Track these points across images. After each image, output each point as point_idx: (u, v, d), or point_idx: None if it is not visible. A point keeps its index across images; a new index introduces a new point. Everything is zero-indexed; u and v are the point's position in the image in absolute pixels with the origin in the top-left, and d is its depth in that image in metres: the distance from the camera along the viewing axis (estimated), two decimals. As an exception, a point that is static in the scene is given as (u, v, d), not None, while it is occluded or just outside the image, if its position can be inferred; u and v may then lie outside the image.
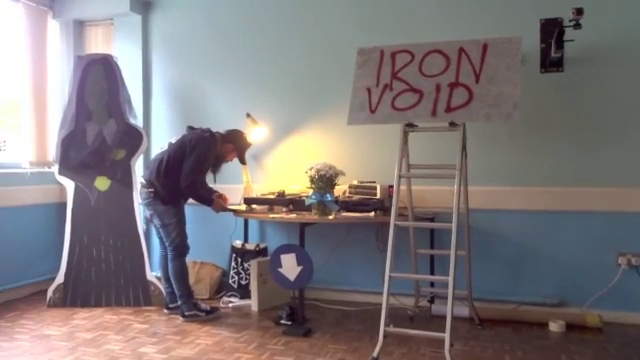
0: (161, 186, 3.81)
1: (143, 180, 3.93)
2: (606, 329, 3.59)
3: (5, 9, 4.58)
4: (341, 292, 4.35)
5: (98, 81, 4.41)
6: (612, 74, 3.77)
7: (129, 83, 4.55)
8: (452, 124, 3.23)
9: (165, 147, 3.93)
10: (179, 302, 3.87)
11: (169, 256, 3.89)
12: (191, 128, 4.01)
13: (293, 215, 3.85)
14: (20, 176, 4.51)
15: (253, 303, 4.14)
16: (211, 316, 3.85)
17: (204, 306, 3.90)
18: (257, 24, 4.61)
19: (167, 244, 3.89)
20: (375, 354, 3.00)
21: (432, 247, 4.00)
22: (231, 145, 4.02)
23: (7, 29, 4.63)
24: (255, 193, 4.43)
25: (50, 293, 4.19)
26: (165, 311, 4.02)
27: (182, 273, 3.88)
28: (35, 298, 4.40)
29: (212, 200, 3.93)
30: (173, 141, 3.93)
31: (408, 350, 3.21)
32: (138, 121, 4.59)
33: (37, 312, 4.04)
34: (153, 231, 4.71)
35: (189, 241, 3.94)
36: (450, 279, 2.99)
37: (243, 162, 4.19)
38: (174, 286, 3.88)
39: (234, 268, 4.41)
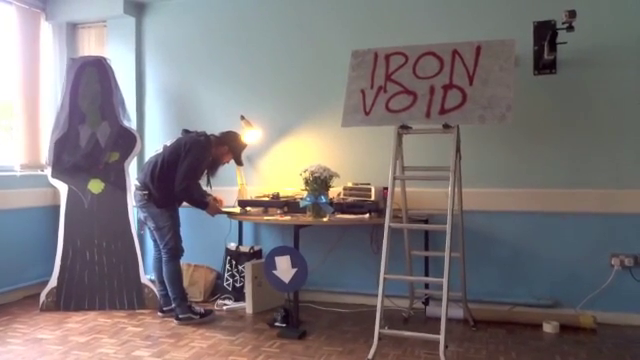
0: (155, 189, 3.80)
1: (137, 183, 3.91)
2: (600, 330, 3.60)
3: (-3, 11, 4.56)
4: (336, 294, 4.35)
5: (91, 83, 4.39)
6: (605, 76, 3.79)
7: (122, 85, 4.54)
8: (446, 126, 3.24)
9: (160, 150, 3.92)
10: (173, 305, 3.86)
11: (163, 259, 3.88)
12: (186, 131, 4.01)
13: (287, 217, 3.84)
14: (12, 179, 4.48)
15: (248, 306, 4.13)
16: (205, 319, 3.84)
17: (198, 309, 3.89)
18: (251, 27, 4.61)
19: (161, 247, 3.88)
20: (370, 356, 3.00)
21: (426, 249, 4.01)
22: (226, 147, 4.02)
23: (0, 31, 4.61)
24: (249, 195, 4.42)
25: (43, 297, 4.16)
26: (159, 314, 4.01)
27: (176, 276, 3.87)
28: (28, 302, 4.37)
29: (207, 203, 3.92)
30: (168, 144, 3.92)
31: (403, 352, 3.21)
32: (132, 124, 4.57)
33: (30, 316, 4.02)
34: (147, 233, 4.71)
35: (183, 244, 3.93)
36: (444, 281, 2.99)
37: (239, 163, 4.19)
38: (168, 289, 3.87)
39: (228, 270, 4.40)
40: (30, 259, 4.57)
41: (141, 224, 4.18)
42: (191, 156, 3.78)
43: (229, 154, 4.05)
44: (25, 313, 4.09)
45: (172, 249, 3.85)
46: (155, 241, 3.97)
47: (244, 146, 4.17)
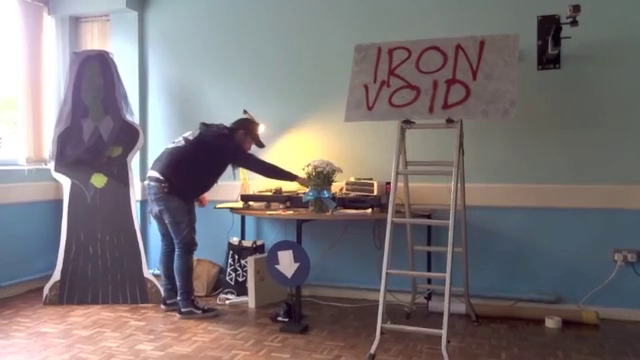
0: (178, 180, 3.78)
1: (155, 174, 3.82)
2: (602, 325, 3.60)
3: (0, 5, 4.55)
4: (338, 289, 4.35)
5: (94, 77, 4.39)
6: (609, 71, 3.77)
7: (125, 80, 4.54)
8: (449, 121, 3.23)
9: (181, 142, 3.88)
10: (178, 298, 3.86)
11: (177, 253, 3.86)
12: (205, 125, 3.97)
13: (290, 212, 3.84)
14: (16, 173, 4.49)
15: (250, 300, 4.14)
16: (208, 314, 3.84)
17: (202, 304, 3.90)
18: (254, 21, 4.60)
19: (176, 241, 3.85)
20: (372, 351, 3.00)
21: (429, 244, 4.01)
22: (242, 130, 4.00)
23: (2, 25, 4.61)
24: (252, 190, 4.42)
25: (46, 290, 4.18)
26: (162, 307, 4.02)
27: (188, 270, 3.87)
28: (31, 295, 4.38)
29: (294, 176, 3.90)
30: (190, 138, 3.89)
31: (405, 347, 3.22)
32: (134, 118, 4.57)
33: (33, 310, 4.03)
34: (150, 228, 4.72)
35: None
36: (447, 276, 2.99)
37: (260, 144, 4.13)
38: (178, 282, 3.85)
39: (231, 265, 4.41)
40: (33, 253, 4.58)
41: (151, 216, 4.08)
42: (237, 153, 3.91)
43: (248, 137, 4.02)
44: (29, 307, 4.10)
45: (188, 243, 3.85)
46: (164, 235, 3.97)
47: (257, 125, 4.15)
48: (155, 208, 3.88)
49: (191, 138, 3.90)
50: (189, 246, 3.86)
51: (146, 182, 3.96)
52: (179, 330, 3.56)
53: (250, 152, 4.05)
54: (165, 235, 3.98)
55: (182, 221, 3.82)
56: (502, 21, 3.86)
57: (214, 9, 4.72)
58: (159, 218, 3.92)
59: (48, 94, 4.89)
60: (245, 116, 4.37)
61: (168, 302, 4.00)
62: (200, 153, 3.83)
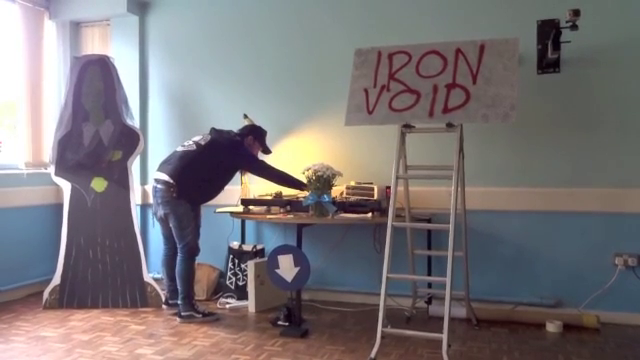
0: (191, 187, 3.78)
1: (165, 177, 3.78)
2: (603, 330, 3.59)
3: (1, 10, 4.57)
4: (338, 293, 4.34)
5: (95, 82, 4.40)
6: (609, 75, 3.78)
7: (126, 84, 4.54)
8: (449, 125, 3.23)
9: (192, 146, 3.88)
10: (179, 302, 3.86)
11: (179, 257, 3.85)
12: (215, 130, 3.99)
13: (290, 216, 3.84)
14: (16, 177, 4.49)
15: (250, 304, 4.13)
16: (208, 319, 3.83)
17: (202, 308, 3.89)
18: (254, 25, 4.61)
19: (179, 245, 3.85)
20: (372, 355, 3.00)
21: (429, 248, 4.01)
22: (251, 136, 4.04)
23: (3, 30, 4.62)
24: (252, 194, 4.42)
25: (46, 294, 4.18)
26: (164, 307, 4.03)
27: (190, 275, 3.87)
28: (31, 300, 4.38)
29: (305, 185, 3.83)
30: (202, 143, 3.89)
31: (405, 351, 3.21)
32: (135, 122, 4.57)
33: (33, 314, 4.03)
34: (150, 232, 4.72)
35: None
36: (447, 280, 2.99)
37: (267, 150, 4.17)
38: (179, 286, 3.85)
39: (231, 269, 4.41)
40: (33, 257, 4.58)
41: (155, 218, 4.04)
42: (249, 160, 3.97)
43: (256, 143, 4.06)
44: (28, 311, 4.10)
45: (191, 249, 3.85)
46: (167, 238, 3.97)
47: (265, 132, 4.16)
48: (161, 211, 3.87)
49: (203, 143, 3.90)
50: (192, 251, 3.86)
51: (153, 184, 3.93)
52: (179, 334, 3.56)
53: (261, 159, 4.08)
54: (168, 238, 3.98)
55: (188, 227, 3.82)
56: (502, 25, 3.87)
57: (215, 13, 4.74)
58: (164, 221, 3.92)
59: (48, 98, 4.89)
60: (246, 120, 4.38)
61: (170, 302, 4.00)
62: (212, 158, 3.85)
